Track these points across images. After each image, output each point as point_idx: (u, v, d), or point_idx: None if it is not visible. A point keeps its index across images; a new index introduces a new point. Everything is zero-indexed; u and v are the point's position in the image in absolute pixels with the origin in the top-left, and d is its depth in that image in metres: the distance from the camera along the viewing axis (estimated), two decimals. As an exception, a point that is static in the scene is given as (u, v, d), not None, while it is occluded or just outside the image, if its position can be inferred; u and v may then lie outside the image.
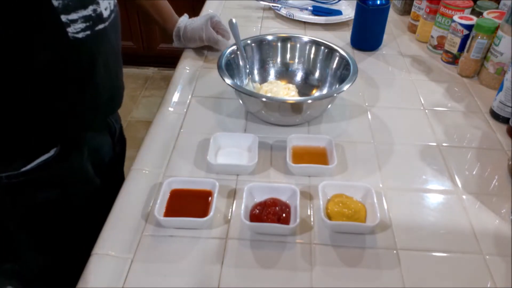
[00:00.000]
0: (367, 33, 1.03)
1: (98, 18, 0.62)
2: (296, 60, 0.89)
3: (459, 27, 0.92)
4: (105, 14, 0.63)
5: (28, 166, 0.66)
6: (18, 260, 0.75)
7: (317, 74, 0.87)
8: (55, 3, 0.55)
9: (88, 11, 0.60)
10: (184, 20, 0.96)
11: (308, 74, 0.88)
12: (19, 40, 0.55)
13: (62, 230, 0.74)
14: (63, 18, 0.56)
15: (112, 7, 0.66)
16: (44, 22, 0.56)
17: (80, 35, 0.60)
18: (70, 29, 0.58)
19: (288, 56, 0.89)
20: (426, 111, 0.83)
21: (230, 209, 0.61)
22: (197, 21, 0.95)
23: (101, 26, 0.63)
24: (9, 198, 0.69)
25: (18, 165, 0.66)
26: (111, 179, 0.82)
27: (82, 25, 0.59)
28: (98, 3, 0.61)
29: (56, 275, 0.78)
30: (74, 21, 0.58)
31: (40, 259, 0.76)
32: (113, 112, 0.82)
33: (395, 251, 0.56)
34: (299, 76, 0.89)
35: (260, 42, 0.88)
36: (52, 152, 0.68)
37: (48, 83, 0.61)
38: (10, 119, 0.62)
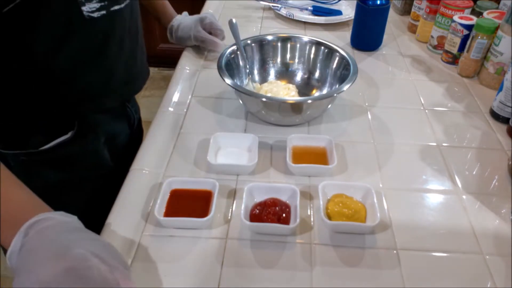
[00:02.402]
0: (367, 33, 1.03)
1: None
2: (296, 60, 0.89)
3: (459, 27, 0.92)
4: None
5: (46, 146, 0.68)
6: None
7: (317, 74, 0.87)
8: None
9: None
10: (179, 18, 0.96)
11: (308, 74, 0.88)
12: (33, 15, 0.55)
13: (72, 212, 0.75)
14: None
15: None
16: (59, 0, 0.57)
17: (95, 15, 0.61)
18: (85, 8, 0.59)
19: (288, 56, 0.89)
20: (426, 111, 0.83)
21: (230, 209, 0.61)
22: (188, 20, 0.96)
23: (116, 7, 0.64)
24: (25, 176, 0.71)
25: (36, 143, 0.68)
26: (124, 167, 0.83)
27: (97, 5, 0.61)
28: None
29: None
30: (89, 0, 0.59)
31: None
32: (130, 96, 0.82)
33: (395, 251, 0.56)
34: (299, 76, 0.89)
35: (260, 42, 0.87)
36: (69, 134, 0.70)
37: (62, 61, 0.62)
38: (26, 97, 0.64)
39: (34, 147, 0.69)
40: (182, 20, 0.96)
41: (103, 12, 0.62)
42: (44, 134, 0.69)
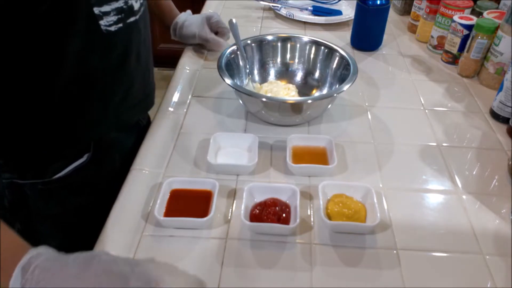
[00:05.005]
0: (367, 33, 1.03)
1: (129, 10, 0.62)
2: (296, 60, 0.89)
3: (459, 27, 0.92)
4: (136, 6, 0.63)
5: (62, 172, 0.66)
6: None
7: (317, 74, 0.87)
8: None
9: (120, 3, 0.60)
10: (183, 16, 0.96)
11: (308, 74, 0.88)
12: (52, 32, 0.54)
13: (88, 233, 0.69)
14: (96, 10, 0.56)
15: (142, 0, 0.66)
16: (77, 14, 0.55)
17: (112, 28, 0.59)
18: (103, 22, 0.58)
19: (288, 56, 0.89)
20: (426, 111, 0.83)
21: (230, 209, 0.61)
22: (194, 18, 0.95)
23: (132, 19, 0.63)
24: (43, 203, 0.69)
25: (52, 171, 0.66)
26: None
27: (114, 18, 0.59)
28: None
29: None
30: (106, 14, 0.58)
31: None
32: (147, 111, 0.81)
33: (395, 251, 0.56)
34: (299, 76, 0.89)
35: (260, 42, 0.87)
36: (84, 158, 0.68)
37: (82, 78, 0.61)
38: (47, 122, 0.62)
39: (50, 175, 0.66)
40: (187, 18, 0.95)
41: (120, 25, 0.60)
42: (61, 160, 0.67)
